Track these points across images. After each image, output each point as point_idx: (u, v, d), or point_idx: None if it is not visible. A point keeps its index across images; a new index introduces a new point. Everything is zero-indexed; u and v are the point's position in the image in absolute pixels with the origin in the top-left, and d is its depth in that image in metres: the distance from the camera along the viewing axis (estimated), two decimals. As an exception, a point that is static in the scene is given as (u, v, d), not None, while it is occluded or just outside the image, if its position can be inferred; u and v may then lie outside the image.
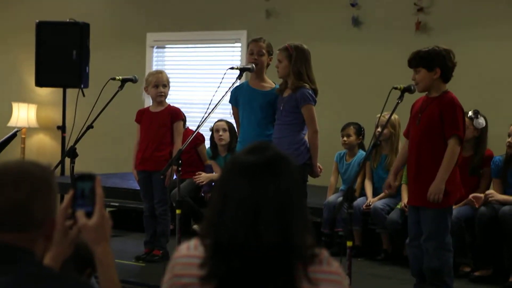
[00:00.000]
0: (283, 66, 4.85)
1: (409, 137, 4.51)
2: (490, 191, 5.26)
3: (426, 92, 4.44)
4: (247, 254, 1.61)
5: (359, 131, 6.08)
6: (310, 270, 1.64)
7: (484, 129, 5.46)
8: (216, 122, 6.39)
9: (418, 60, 4.35)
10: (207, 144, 6.56)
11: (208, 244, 1.67)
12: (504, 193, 5.25)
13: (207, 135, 6.60)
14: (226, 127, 6.26)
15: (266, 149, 1.69)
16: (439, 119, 4.30)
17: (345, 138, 6.05)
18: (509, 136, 5.27)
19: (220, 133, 6.28)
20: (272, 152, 1.69)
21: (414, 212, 4.48)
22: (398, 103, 4.26)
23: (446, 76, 4.36)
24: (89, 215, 1.77)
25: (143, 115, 5.71)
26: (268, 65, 5.10)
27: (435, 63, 4.31)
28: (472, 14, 6.74)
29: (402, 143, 5.64)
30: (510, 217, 5.05)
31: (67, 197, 1.80)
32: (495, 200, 5.18)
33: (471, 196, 5.25)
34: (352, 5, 7.22)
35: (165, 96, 5.64)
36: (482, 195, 5.24)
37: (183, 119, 5.78)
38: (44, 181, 1.72)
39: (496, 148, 5.49)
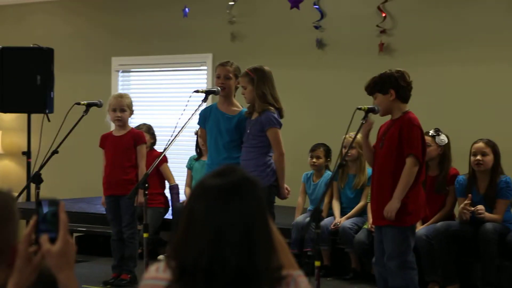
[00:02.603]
0: (249, 91, 4.88)
1: (375, 160, 4.55)
2: (480, 207, 5.19)
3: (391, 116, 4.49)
4: (211, 277, 1.61)
5: (328, 153, 6.11)
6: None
7: (447, 147, 5.53)
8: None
9: (372, 87, 4.45)
10: (192, 148, 6.68)
11: (173, 266, 1.66)
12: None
13: (175, 155, 6.62)
14: None
15: (232, 172, 1.69)
16: (398, 140, 4.35)
17: (314, 160, 6.07)
18: (474, 155, 5.32)
19: None
20: (238, 175, 1.69)
21: (378, 231, 4.51)
22: (362, 124, 4.31)
23: (402, 96, 4.42)
24: (53, 240, 1.75)
25: (106, 140, 5.69)
26: (236, 88, 5.11)
27: (387, 85, 4.39)
28: (435, 35, 6.84)
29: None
30: (491, 235, 5.10)
31: (31, 223, 1.78)
32: (483, 217, 5.17)
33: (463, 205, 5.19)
34: (316, 27, 7.30)
35: (123, 121, 5.62)
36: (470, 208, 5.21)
37: (146, 142, 5.80)
38: (3, 208, 1.69)
39: (461, 166, 5.56)
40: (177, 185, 6.60)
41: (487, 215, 5.22)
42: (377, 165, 4.49)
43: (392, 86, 4.38)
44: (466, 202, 5.20)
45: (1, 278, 1.68)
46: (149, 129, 6.58)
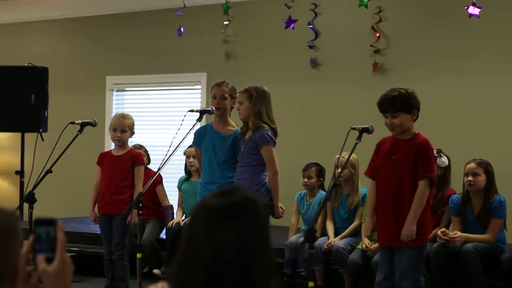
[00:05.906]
0: (244, 107, 4.88)
1: (381, 179, 4.51)
2: (457, 235, 5.21)
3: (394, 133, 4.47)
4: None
5: (320, 173, 6.10)
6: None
7: (447, 169, 5.53)
8: (188, 147, 6.41)
9: (399, 105, 4.36)
10: (182, 168, 6.66)
11: (172, 284, 1.67)
12: (463, 231, 5.29)
13: (168, 174, 6.62)
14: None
15: (234, 193, 1.70)
16: (414, 162, 4.36)
17: (306, 180, 6.07)
18: (467, 175, 5.34)
19: (191, 159, 6.30)
20: (239, 195, 1.70)
21: (387, 252, 4.50)
22: (356, 144, 4.29)
23: (418, 116, 4.45)
24: (49, 260, 1.75)
25: (104, 158, 5.68)
26: (231, 108, 5.13)
27: (413, 105, 4.39)
28: (428, 55, 6.87)
29: (362, 183, 5.71)
30: (472, 254, 5.10)
31: (28, 242, 1.77)
32: (458, 244, 5.18)
33: (440, 232, 5.24)
34: (310, 47, 7.33)
35: (122, 141, 5.62)
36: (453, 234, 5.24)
37: (144, 163, 5.80)
38: (5, 228, 1.68)
39: (456, 186, 5.56)
40: (171, 205, 6.59)
41: (474, 236, 5.22)
42: (390, 186, 4.44)
43: (416, 106, 4.40)
44: (442, 230, 5.22)
45: None
46: (145, 151, 6.62)
